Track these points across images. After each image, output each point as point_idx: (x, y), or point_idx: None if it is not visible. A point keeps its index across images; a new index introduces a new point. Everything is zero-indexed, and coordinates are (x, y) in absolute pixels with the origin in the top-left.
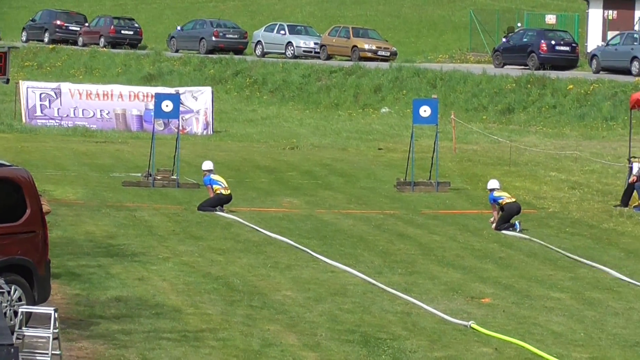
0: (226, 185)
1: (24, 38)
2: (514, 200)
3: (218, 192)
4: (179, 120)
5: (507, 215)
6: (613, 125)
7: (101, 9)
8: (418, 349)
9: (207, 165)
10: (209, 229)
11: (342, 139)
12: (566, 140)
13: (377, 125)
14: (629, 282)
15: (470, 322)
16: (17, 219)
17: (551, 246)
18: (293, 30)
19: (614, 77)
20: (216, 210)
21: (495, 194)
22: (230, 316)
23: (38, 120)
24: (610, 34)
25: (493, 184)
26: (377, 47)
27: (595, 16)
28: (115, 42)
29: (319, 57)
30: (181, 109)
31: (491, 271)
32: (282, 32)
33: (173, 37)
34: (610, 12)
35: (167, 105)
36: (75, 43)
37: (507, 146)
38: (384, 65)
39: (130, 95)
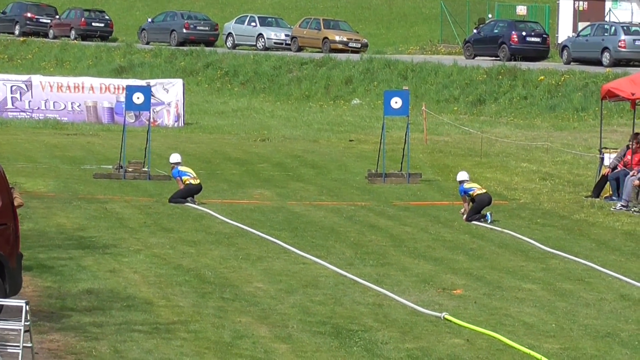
0: (195, 175)
1: None
2: (484, 191)
3: (187, 182)
4: (150, 113)
5: (478, 207)
6: (584, 116)
7: (72, 1)
8: (390, 341)
9: (175, 157)
10: (180, 221)
11: (313, 131)
12: (537, 131)
13: (348, 117)
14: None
15: (443, 313)
16: None
17: (523, 237)
18: (264, 22)
19: (585, 68)
20: (187, 202)
21: (466, 185)
22: (202, 308)
23: (9, 113)
24: (581, 25)
25: (462, 175)
26: (347, 38)
27: (566, 7)
28: (86, 35)
29: (289, 49)
30: (152, 101)
31: (462, 262)
32: (253, 24)
33: (144, 29)
34: (581, 3)
35: (138, 98)
36: (46, 35)
37: (478, 137)
38: (355, 57)
39: (101, 88)
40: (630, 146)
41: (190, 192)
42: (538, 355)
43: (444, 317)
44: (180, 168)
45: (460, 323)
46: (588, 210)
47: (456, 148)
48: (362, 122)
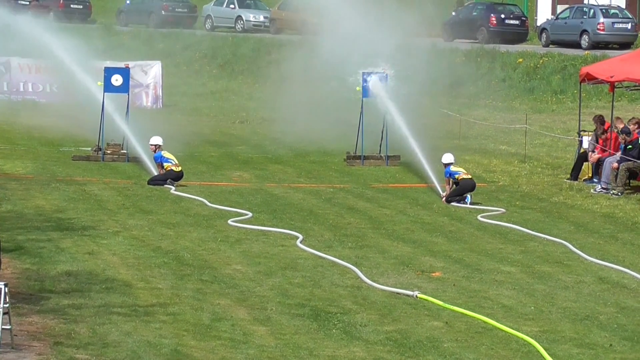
0: (177, 162)
1: None
2: (470, 177)
3: (169, 169)
4: (128, 95)
5: (461, 191)
6: (562, 99)
7: None
8: (368, 323)
9: (156, 140)
10: (159, 203)
11: (291, 113)
12: (516, 113)
13: (327, 100)
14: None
15: (415, 292)
16: None
17: (502, 223)
18: (242, 4)
19: (564, 50)
20: (166, 184)
21: (452, 168)
22: (181, 290)
23: None
24: (559, 8)
25: (448, 158)
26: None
27: None
28: (65, 17)
29: (268, 31)
30: (131, 83)
31: (441, 245)
32: (232, 6)
33: (122, 11)
34: None
35: (116, 80)
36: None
37: (457, 120)
38: None
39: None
40: (596, 130)
41: (170, 177)
42: (521, 335)
43: (416, 295)
44: (164, 154)
45: (434, 301)
46: (567, 192)
47: (434, 130)
48: (341, 104)
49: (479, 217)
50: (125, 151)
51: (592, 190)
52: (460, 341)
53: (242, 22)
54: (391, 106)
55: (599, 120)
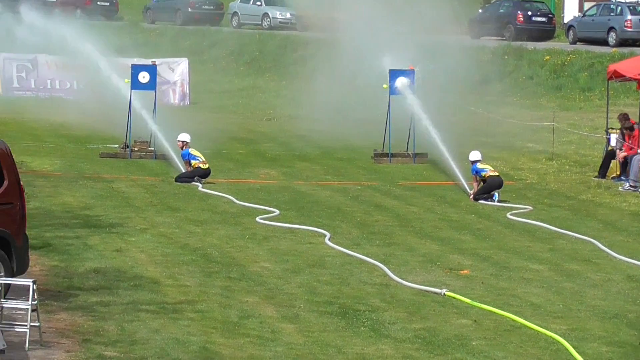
0: (204, 160)
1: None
2: (497, 174)
3: (197, 166)
4: (155, 92)
5: (489, 188)
6: (590, 96)
7: None
8: (397, 321)
9: (184, 137)
10: (187, 200)
11: (318, 110)
12: (543, 111)
13: (354, 97)
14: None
15: (443, 290)
16: None
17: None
18: (269, 1)
19: (591, 48)
20: (193, 181)
21: (479, 165)
22: (209, 288)
23: (15, 92)
24: (587, 5)
25: (475, 155)
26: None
27: None
28: (91, 14)
29: (295, 28)
30: (158, 80)
31: (469, 242)
32: (258, 3)
33: (149, 8)
34: None
35: (143, 77)
36: (51, 13)
37: (484, 117)
38: None
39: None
40: (622, 128)
41: (197, 174)
42: (549, 333)
43: (444, 293)
44: (191, 151)
45: (462, 298)
46: (595, 190)
47: (461, 128)
48: (369, 102)
49: (508, 214)
50: (153, 148)
51: (619, 188)
52: (489, 339)
53: (268, 19)
54: (418, 104)
55: (623, 118)
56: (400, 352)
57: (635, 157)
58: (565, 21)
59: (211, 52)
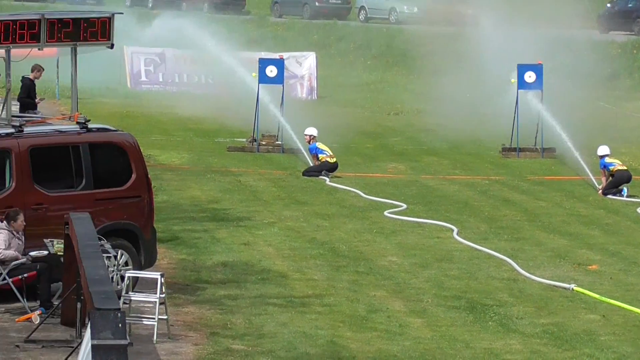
0: (331, 154)
1: (128, 3)
2: (625, 168)
3: (324, 160)
4: (283, 86)
5: (617, 182)
6: None
7: None
8: (525, 316)
9: (311, 131)
10: (314, 194)
11: (445, 105)
12: None
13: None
14: None
15: (572, 285)
16: (123, 184)
17: None
18: None
19: None
20: (321, 175)
21: (607, 160)
22: (336, 282)
23: (143, 86)
24: None
25: (603, 150)
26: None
27: None
28: (219, 8)
29: (422, 23)
30: (285, 74)
31: (598, 237)
32: None
33: (277, 2)
34: None
35: (271, 71)
36: (179, 8)
37: (613, 112)
38: None
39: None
40: None
41: (324, 168)
42: None
43: (572, 288)
44: (318, 145)
45: (590, 294)
46: None
47: (590, 123)
48: (497, 97)
49: (638, 209)
50: (280, 142)
51: None
52: (618, 334)
53: (395, 13)
54: (546, 99)
55: None
56: (528, 347)
57: None
58: None
59: (339, 46)
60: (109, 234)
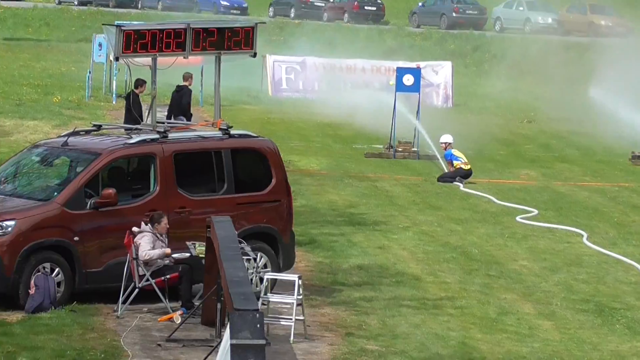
0: (466, 160)
1: (271, 13)
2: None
3: (458, 167)
4: (419, 94)
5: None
6: None
7: None
8: None
9: (447, 138)
10: (448, 199)
11: (578, 113)
12: None
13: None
14: None
15: None
16: (263, 188)
17: None
18: (531, 6)
19: None
20: (455, 181)
21: (454, 152)
22: (468, 285)
23: (284, 93)
24: None
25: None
26: (613, 23)
27: None
28: (359, 18)
29: (556, 33)
30: (422, 82)
31: None
32: (521, 8)
33: (415, 12)
34: None
35: (408, 79)
36: (319, 18)
37: None
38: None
39: (372, 69)
40: None
41: (459, 174)
42: None
43: None
44: (454, 152)
45: None
46: None
47: None
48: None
49: None
50: (416, 149)
51: None
52: None
53: (530, 23)
54: None
55: None
56: None
57: None
58: None
59: (474, 55)
60: (248, 237)
